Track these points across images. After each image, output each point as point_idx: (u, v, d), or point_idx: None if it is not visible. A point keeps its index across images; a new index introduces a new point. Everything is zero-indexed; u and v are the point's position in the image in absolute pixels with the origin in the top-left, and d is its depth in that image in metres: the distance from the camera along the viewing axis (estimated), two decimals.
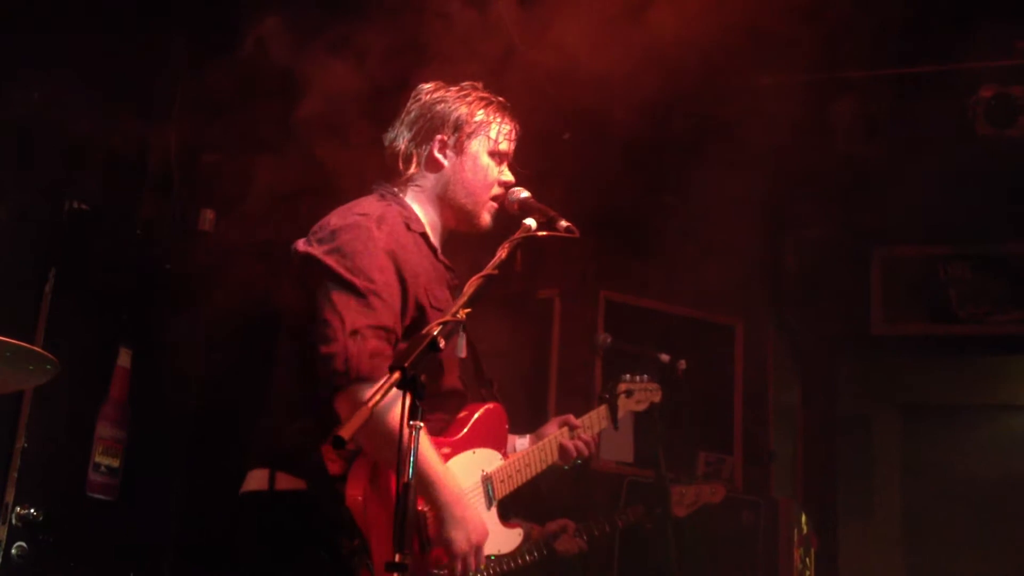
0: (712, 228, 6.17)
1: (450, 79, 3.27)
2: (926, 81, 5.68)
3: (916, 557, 7.94)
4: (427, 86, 3.22)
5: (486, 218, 3.19)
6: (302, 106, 4.55)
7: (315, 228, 3.00)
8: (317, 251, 2.90)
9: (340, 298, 2.80)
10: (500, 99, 3.23)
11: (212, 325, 4.98)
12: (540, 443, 3.44)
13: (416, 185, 3.16)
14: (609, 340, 4.57)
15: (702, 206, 6.25)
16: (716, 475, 6.29)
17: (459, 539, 2.84)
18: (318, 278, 2.86)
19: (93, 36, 4.55)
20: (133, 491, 4.82)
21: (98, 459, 4.71)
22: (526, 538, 4.44)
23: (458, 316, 2.70)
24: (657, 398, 4.09)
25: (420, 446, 2.54)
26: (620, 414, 3.84)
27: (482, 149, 3.16)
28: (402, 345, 2.83)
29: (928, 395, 8.26)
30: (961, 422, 8.26)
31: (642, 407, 4.03)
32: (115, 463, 4.77)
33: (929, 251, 7.07)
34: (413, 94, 3.23)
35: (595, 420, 3.69)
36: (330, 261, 2.85)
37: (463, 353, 3.06)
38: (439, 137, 3.14)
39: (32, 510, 4.28)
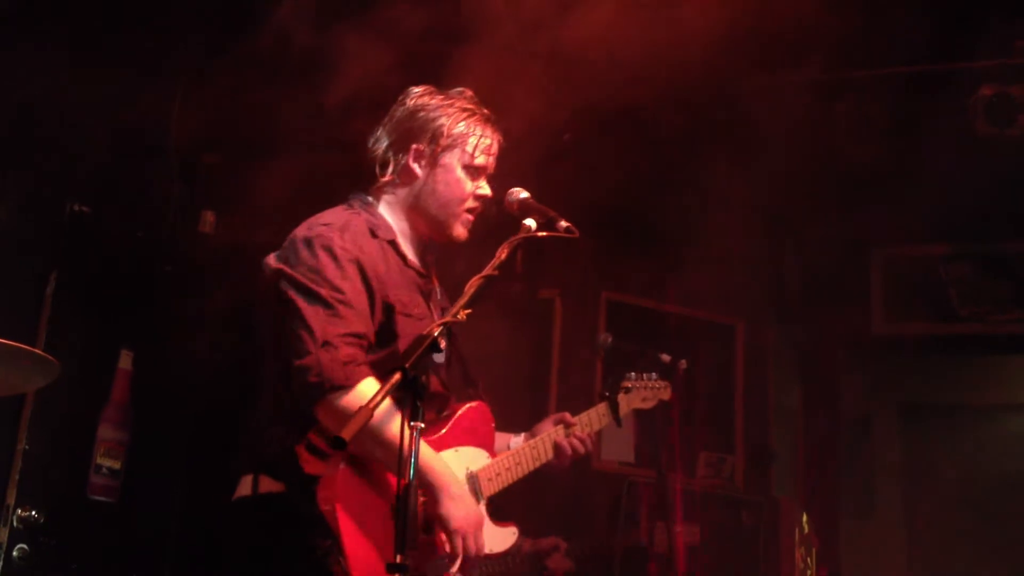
0: (713, 228, 6.17)
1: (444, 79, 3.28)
2: (926, 81, 5.68)
3: (917, 556, 7.93)
4: (416, 90, 3.23)
5: (459, 230, 3.20)
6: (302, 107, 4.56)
7: (285, 242, 3.05)
8: (285, 265, 2.95)
9: (309, 310, 2.84)
10: (484, 111, 3.22)
11: (213, 327, 4.97)
12: (533, 441, 3.42)
13: (390, 193, 3.19)
14: (610, 340, 4.56)
15: (703, 207, 6.26)
16: (717, 474, 6.30)
17: (457, 516, 2.88)
18: (287, 291, 2.91)
19: (93, 37, 4.55)
20: (134, 493, 4.82)
21: (99, 461, 4.71)
22: (517, 550, 4.44)
23: (459, 317, 2.72)
24: (667, 395, 4.05)
25: (390, 423, 2.68)
26: (624, 411, 3.82)
27: (457, 162, 3.15)
28: (371, 356, 2.90)
29: (929, 395, 8.24)
30: (962, 422, 8.25)
31: (649, 404, 4.00)
32: (116, 465, 4.77)
33: (930, 251, 7.07)
34: (400, 97, 3.24)
35: (594, 418, 3.66)
36: (296, 274, 2.91)
37: (440, 357, 3.12)
38: (415, 147, 3.15)
39: (33, 512, 4.28)
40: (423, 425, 2.52)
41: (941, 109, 5.68)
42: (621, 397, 3.83)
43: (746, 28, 4.59)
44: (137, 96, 4.78)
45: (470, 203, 3.19)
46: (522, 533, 4.49)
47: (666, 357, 4.25)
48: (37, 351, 3.00)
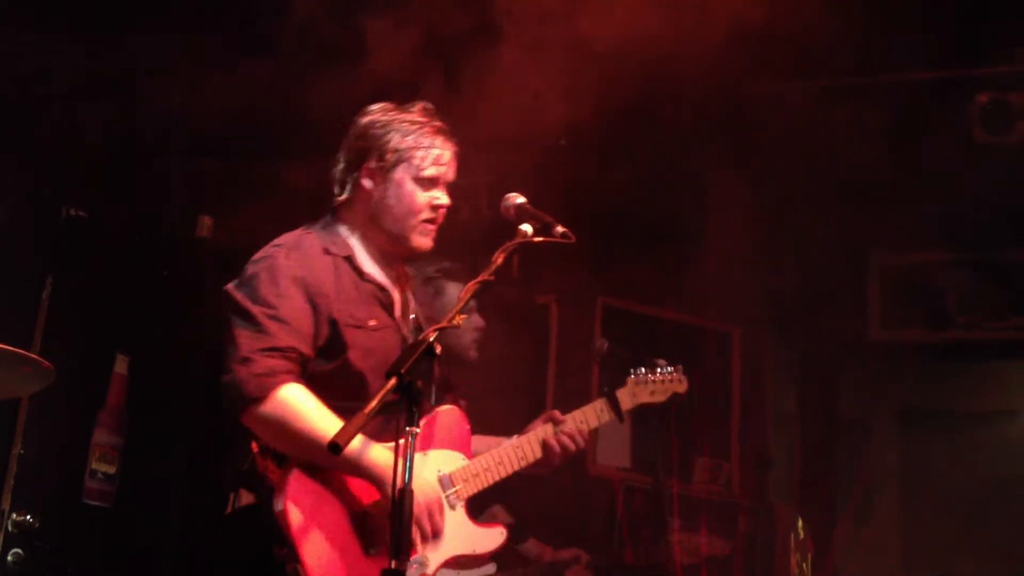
0: (711, 234, 6.17)
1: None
2: (925, 87, 5.68)
3: (913, 562, 7.92)
4: (372, 108, 3.26)
5: (419, 240, 3.22)
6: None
7: None
8: (231, 287, 3.06)
9: (238, 330, 2.96)
10: (436, 123, 3.23)
11: (209, 332, 4.97)
12: (517, 440, 3.40)
13: (349, 211, 3.23)
14: (606, 346, 4.54)
15: (701, 212, 6.26)
16: (714, 480, 6.30)
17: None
18: (226, 313, 3.02)
19: (94, 36, 4.55)
20: (129, 498, 4.82)
21: (95, 466, 4.70)
22: (536, 559, 4.41)
23: (454, 322, 2.73)
24: (682, 388, 3.95)
25: (313, 424, 2.83)
26: (628, 406, 3.76)
27: (407, 176, 3.17)
28: (321, 368, 3.02)
29: (926, 401, 8.25)
30: (959, 428, 8.25)
31: (660, 398, 3.89)
32: (111, 470, 4.77)
33: (927, 257, 7.07)
34: (357, 116, 3.27)
35: (590, 414, 3.61)
36: (237, 295, 3.02)
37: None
38: (366, 165, 3.18)
39: (28, 517, 4.27)
40: (418, 430, 2.53)
41: (940, 116, 5.68)
42: (623, 392, 3.77)
43: (746, 33, 4.59)
44: (135, 99, 4.78)
45: (426, 214, 3.20)
46: (524, 538, 4.48)
47: (662, 363, 4.23)
48: (33, 355, 3.01)
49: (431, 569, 3.00)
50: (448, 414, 3.25)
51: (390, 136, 3.17)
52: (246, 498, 3.02)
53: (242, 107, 4.81)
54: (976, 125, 5.52)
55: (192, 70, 4.76)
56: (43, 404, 4.28)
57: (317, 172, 3.63)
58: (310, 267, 3.07)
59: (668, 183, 6.01)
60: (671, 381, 3.92)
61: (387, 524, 2.81)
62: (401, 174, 3.16)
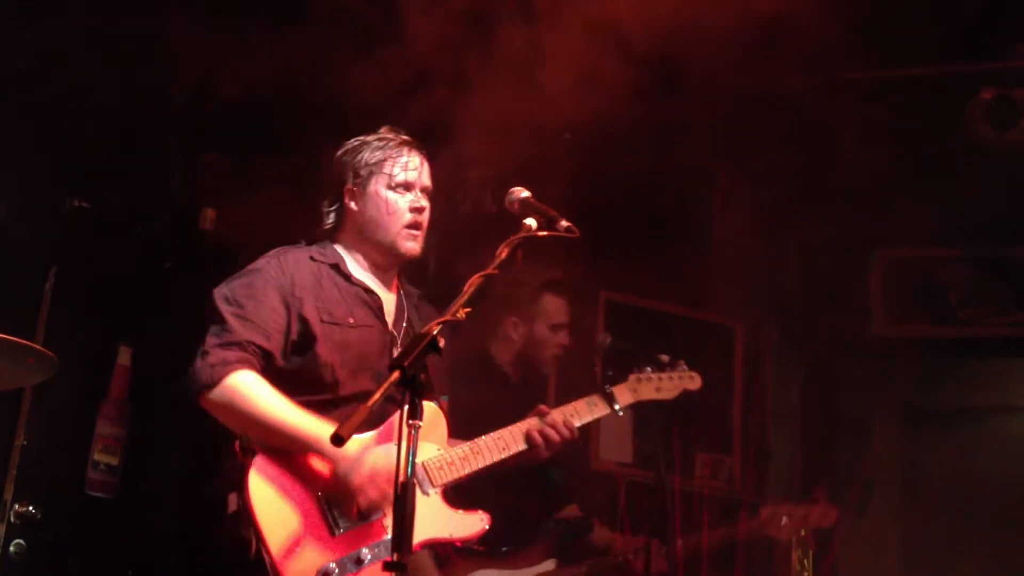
0: (714, 229, 6.16)
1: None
2: (928, 83, 5.67)
3: (914, 559, 7.92)
4: (348, 143, 3.50)
5: (406, 246, 3.42)
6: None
7: None
8: (214, 291, 3.29)
9: (210, 328, 3.23)
10: (402, 136, 3.47)
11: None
12: (499, 432, 3.49)
13: (341, 233, 3.49)
14: (609, 340, 4.55)
15: (704, 207, 6.26)
16: (715, 476, 6.29)
17: (353, 473, 3.06)
18: (210, 318, 3.26)
19: (94, 38, 4.55)
20: (132, 489, 4.83)
21: (97, 457, 4.71)
22: (605, 546, 4.42)
23: (458, 316, 2.76)
24: (694, 385, 4.08)
25: (263, 407, 3.07)
26: (628, 401, 3.87)
27: (381, 185, 3.41)
28: (291, 365, 3.23)
29: (928, 397, 8.22)
30: (961, 424, 8.24)
31: (668, 395, 4.01)
32: (114, 461, 4.78)
33: (930, 253, 7.06)
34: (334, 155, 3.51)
35: (582, 408, 3.72)
36: (215, 298, 3.26)
37: None
38: (347, 187, 3.45)
39: (31, 508, 4.28)
40: (421, 423, 2.54)
41: (943, 112, 5.68)
42: (621, 388, 3.84)
43: (747, 29, 4.58)
44: (138, 92, 4.79)
45: (406, 218, 3.40)
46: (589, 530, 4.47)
47: (664, 358, 4.24)
48: (36, 346, 3.02)
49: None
50: (425, 411, 3.28)
51: (361, 155, 3.44)
52: (233, 503, 3.14)
53: (245, 100, 4.82)
54: (980, 121, 5.51)
55: (195, 63, 4.76)
56: (46, 395, 4.29)
57: (319, 165, 3.65)
58: (290, 271, 3.31)
59: (672, 178, 6.00)
60: (681, 378, 3.98)
61: (351, 502, 3.05)
62: (375, 185, 3.40)
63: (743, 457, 6.46)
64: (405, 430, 2.48)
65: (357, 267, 3.45)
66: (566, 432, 3.58)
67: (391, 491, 3.01)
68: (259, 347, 3.18)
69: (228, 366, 3.13)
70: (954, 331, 6.99)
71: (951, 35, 5.29)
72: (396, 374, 2.50)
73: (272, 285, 3.26)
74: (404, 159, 3.43)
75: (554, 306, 4.60)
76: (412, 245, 3.41)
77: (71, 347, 4.24)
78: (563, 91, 4.60)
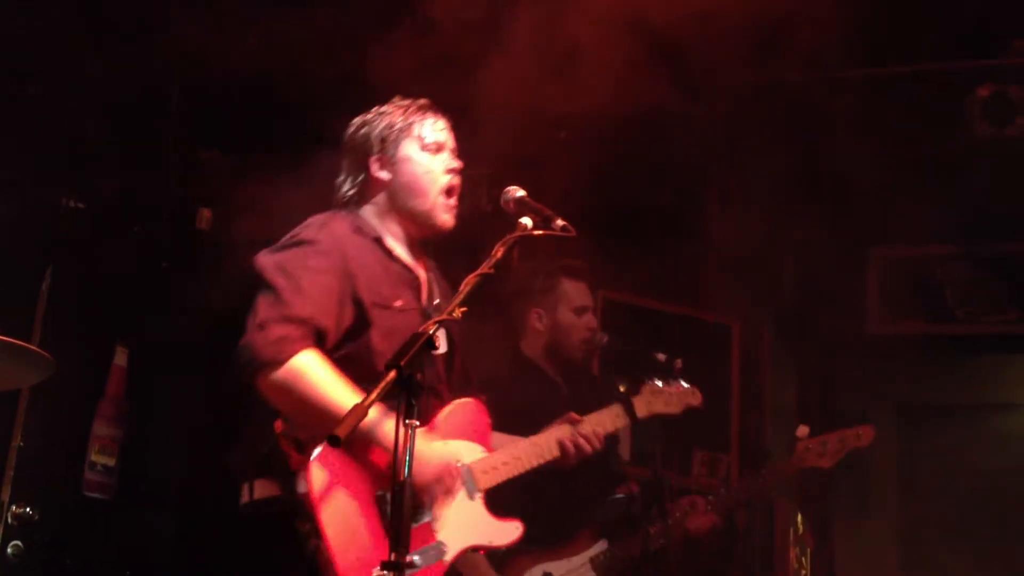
0: (710, 228, 6.16)
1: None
2: (924, 80, 5.67)
3: (912, 556, 7.94)
4: (356, 120, 3.33)
5: (442, 218, 3.26)
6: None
7: None
8: (260, 256, 3.06)
9: (262, 298, 2.97)
10: (421, 101, 3.32)
11: (208, 324, 4.96)
12: (535, 438, 3.46)
13: (370, 204, 3.28)
14: (606, 339, 4.56)
15: (700, 206, 6.25)
16: (712, 474, 6.29)
17: (423, 472, 2.90)
18: (255, 281, 3.04)
19: (95, 38, 4.55)
20: (129, 490, 4.82)
21: (94, 458, 4.70)
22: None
23: (454, 315, 2.74)
24: (696, 400, 4.11)
25: (328, 393, 2.83)
26: (643, 413, 3.90)
27: (414, 148, 3.25)
28: (343, 350, 3.02)
29: (924, 394, 8.25)
30: (957, 421, 8.26)
31: (674, 409, 4.05)
32: (111, 462, 4.77)
33: (926, 251, 7.06)
34: (344, 139, 3.35)
35: (606, 418, 3.72)
36: (265, 264, 3.03)
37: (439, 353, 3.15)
38: (372, 159, 3.25)
39: (28, 509, 4.27)
40: (419, 423, 2.53)
41: (940, 109, 5.68)
42: (639, 400, 3.92)
43: (743, 27, 4.58)
44: (134, 91, 4.78)
45: (443, 180, 3.25)
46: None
47: (661, 356, 4.25)
48: (32, 347, 3.01)
49: (449, 556, 3.02)
50: (470, 406, 3.28)
51: (383, 123, 3.26)
52: (262, 489, 3.00)
53: (242, 98, 4.81)
54: (977, 118, 5.51)
55: (192, 62, 4.76)
56: (43, 396, 4.28)
57: (318, 165, 3.64)
58: (340, 244, 3.09)
59: (669, 177, 6.00)
60: (684, 394, 4.03)
61: (414, 500, 2.84)
62: (407, 150, 3.24)
63: (740, 455, 6.46)
64: (408, 426, 2.47)
65: (393, 240, 3.26)
66: (597, 443, 3.60)
67: (456, 487, 3.06)
68: (317, 326, 2.96)
69: (293, 344, 2.89)
70: (950, 329, 7.00)
71: (948, 32, 5.29)
72: (392, 374, 2.48)
73: (323, 256, 3.05)
74: (431, 120, 3.28)
75: (575, 289, 4.58)
76: (448, 218, 3.25)
77: (68, 347, 4.23)
78: (560, 89, 4.60)
